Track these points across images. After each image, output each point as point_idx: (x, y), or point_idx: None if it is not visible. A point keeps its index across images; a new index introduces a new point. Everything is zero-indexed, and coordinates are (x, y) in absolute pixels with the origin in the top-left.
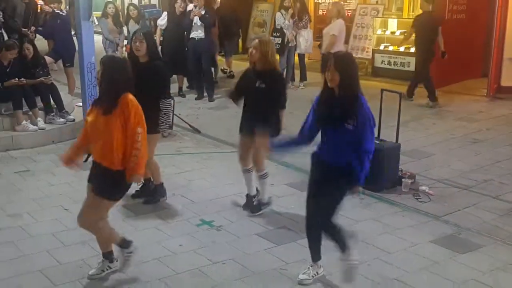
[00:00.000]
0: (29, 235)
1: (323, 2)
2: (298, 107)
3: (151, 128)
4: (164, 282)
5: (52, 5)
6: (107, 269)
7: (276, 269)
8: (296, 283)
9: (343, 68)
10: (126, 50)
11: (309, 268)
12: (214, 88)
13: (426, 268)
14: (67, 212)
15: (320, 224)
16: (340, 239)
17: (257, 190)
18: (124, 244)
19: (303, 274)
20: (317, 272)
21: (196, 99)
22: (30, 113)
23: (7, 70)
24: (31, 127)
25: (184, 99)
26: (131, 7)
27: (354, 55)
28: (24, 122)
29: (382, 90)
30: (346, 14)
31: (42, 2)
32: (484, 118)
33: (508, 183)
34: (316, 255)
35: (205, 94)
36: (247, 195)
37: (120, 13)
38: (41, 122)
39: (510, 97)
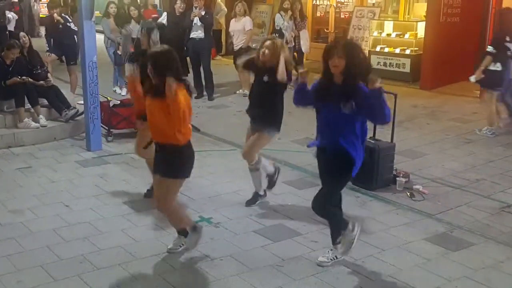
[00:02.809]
0: (30, 231)
1: (321, 4)
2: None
3: None
4: (162, 277)
5: (53, 11)
6: (182, 244)
7: (272, 266)
8: (291, 279)
9: (350, 56)
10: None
11: (329, 251)
12: (214, 87)
13: (419, 265)
14: (67, 208)
15: (318, 208)
16: (338, 224)
17: (265, 191)
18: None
19: (322, 257)
20: (336, 256)
21: (195, 97)
22: (32, 110)
23: (10, 69)
24: (33, 124)
25: None
26: (132, 7)
27: None
28: (26, 119)
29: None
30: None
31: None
32: (477, 119)
33: (499, 183)
34: (334, 238)
35: (205, 93)
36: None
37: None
38: (43, 120)
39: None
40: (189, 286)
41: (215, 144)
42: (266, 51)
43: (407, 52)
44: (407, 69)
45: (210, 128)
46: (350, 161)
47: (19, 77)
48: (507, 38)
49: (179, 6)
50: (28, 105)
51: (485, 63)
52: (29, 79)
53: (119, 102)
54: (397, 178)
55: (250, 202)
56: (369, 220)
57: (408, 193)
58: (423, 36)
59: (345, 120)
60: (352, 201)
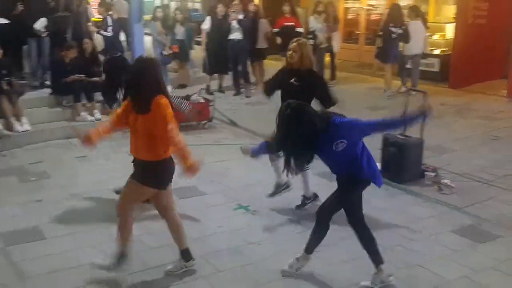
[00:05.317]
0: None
1: (352, 7)
2: None
3: None
4: (205, 259)
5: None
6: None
7: None
8: (324, 261)
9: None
10: (173, 50)
11: (372, 275)
12: (251, 85)
13: (447, 255)
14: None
15: (354, 222)
16: (368, 248)
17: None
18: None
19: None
20: (382, 281)
21: (234, 95)
22: (89, 105)
23: (68, 67)
24: (89, 118)
25: (224, 95)
26: (177, 11)
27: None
28: (83, 113)
29: (408, 89)
30: None
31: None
32: (504, 117)
33: None
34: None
35: (242, 90)
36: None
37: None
38: (97, 114)
39: None
40: (229, 267)
41: (252, 138)
42: (294, 53)
43: (436, 52)
44: (436, 68)
45: (247, 123)
46: (354, 180)
47: (77, 75)
48: (391, 24)
49: (220, 10)
50: (84, 101)
51: (377, 42)
52: (85, 77)
53: None
54: (426, 173)
55: (300, 206)
56: (398, 211)
57: (437, 187)
58: (451, 37)
59: (341, 155)
60: (382, 194)
